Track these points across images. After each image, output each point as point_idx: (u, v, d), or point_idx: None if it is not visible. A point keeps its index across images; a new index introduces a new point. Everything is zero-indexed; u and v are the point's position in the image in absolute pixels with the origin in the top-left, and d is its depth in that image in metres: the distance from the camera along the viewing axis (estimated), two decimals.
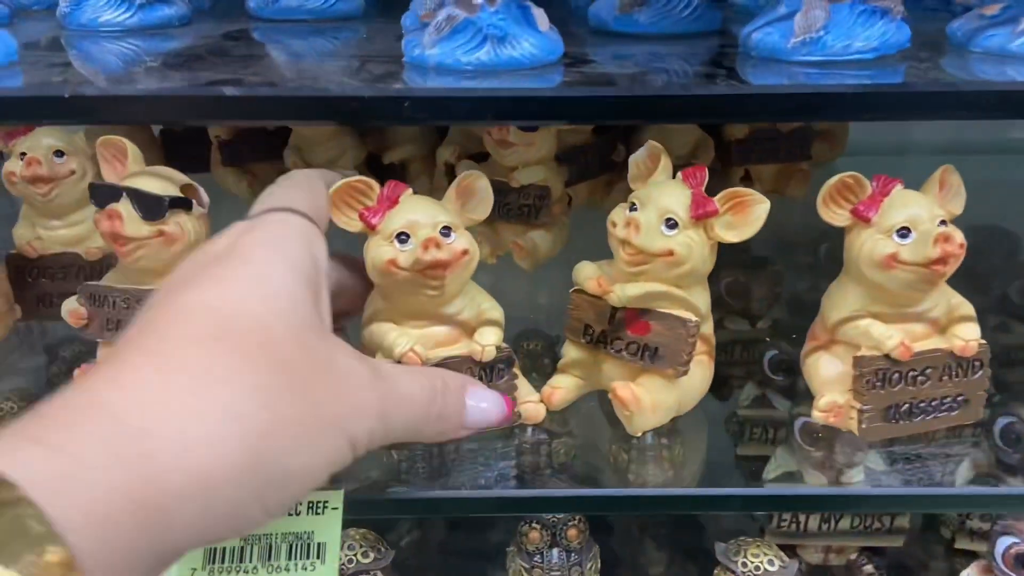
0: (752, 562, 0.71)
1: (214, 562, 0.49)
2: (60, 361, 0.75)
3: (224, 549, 0.50)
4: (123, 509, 0.27)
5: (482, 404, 0.43)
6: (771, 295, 0.91)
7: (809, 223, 0.65)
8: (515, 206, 0.85)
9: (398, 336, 0.54)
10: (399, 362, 0.53)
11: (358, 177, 0.48)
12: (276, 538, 0.50)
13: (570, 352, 0.62)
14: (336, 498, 0.51)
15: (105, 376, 0.31)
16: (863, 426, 0.57)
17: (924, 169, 0.58)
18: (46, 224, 0.72)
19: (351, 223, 0.50)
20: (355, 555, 0.72)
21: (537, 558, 0.79)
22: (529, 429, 0.62)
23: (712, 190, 0.57)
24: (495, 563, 0.83)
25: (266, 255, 0.36)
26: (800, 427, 0.72)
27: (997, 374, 0.72)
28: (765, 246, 1.03)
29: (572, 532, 0.78)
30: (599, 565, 0.81)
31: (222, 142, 0.98)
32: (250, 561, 0.50)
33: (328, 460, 0.34)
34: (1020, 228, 1.04)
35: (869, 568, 0.85)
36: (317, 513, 0.51)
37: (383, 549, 0.73)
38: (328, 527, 0.50)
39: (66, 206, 0.71)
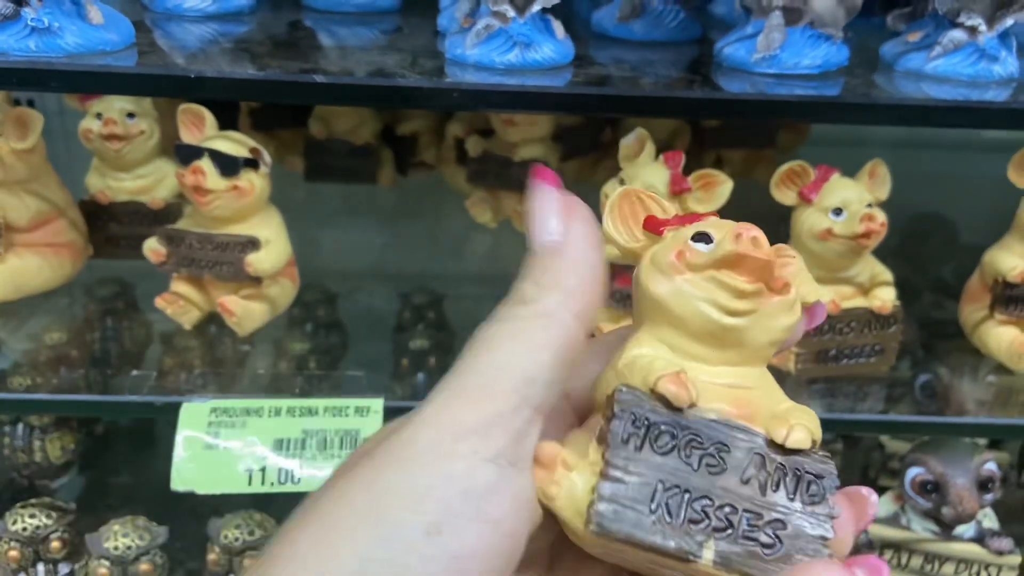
0: None
1: (283, 448, 0.62)
2: (128, 292, 0.87)
3: (289, 439, 0.63)
4: None
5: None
6: None
7: (774, 204, 0.76)
8: (515, 178, 0.97)
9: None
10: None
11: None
12: (330, 432, 0.63)
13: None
14: (377, 404, 0.64)
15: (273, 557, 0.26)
16: (799, 366, 0.71)
17: (875, 158, 0.70)
18: (115, 176, 0.83)
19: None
20: None
21: None
22: None
23: (687, 171, 0.70)
24: None
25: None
26: None
27: (926, 341, 0.86)
28: None
29: None
30: None
31: (252, 109, 1.09)
32: (310, 450, 0.63)
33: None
34: (958, 216, 1.16)
35: None
36: (363, 415, 0.64)
37: None
38: (372, 426, 0.63)
39: (134, 161, 0.82)
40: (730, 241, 0.26)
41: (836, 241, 0.67)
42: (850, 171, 0.70)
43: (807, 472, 0.26)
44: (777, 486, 0.26)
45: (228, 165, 0.68)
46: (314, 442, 0.63)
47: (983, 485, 0.80)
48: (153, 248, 0.72)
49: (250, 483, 0.61)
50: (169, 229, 0.72)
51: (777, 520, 0.25)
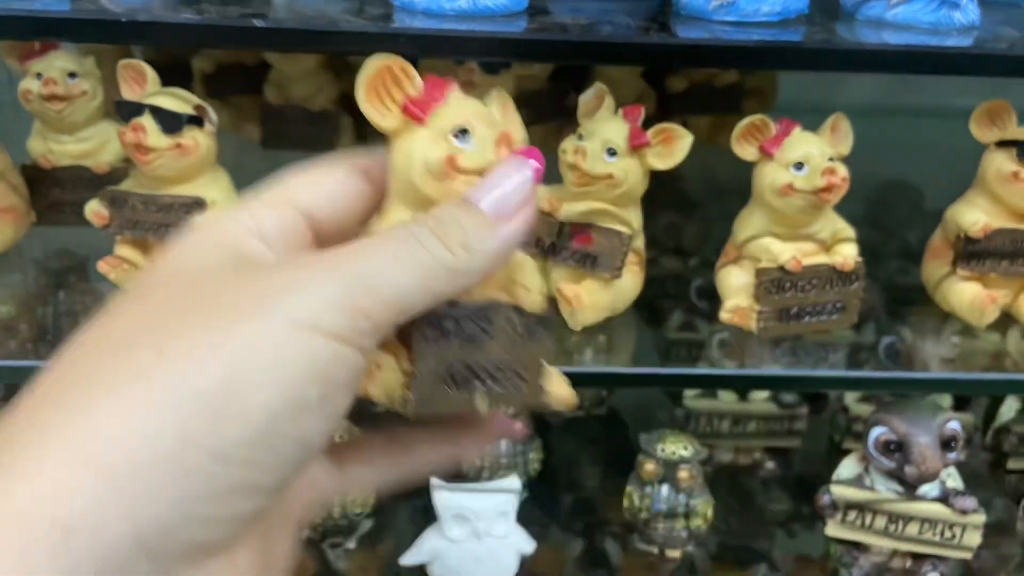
0: (669, 448, 0.84)
1: None
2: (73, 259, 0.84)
3: None
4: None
5: (494, 192, 0.30)
6: (702, 235, 1.03)
7: (740, 171, 0.74)
8: None
9: None
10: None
11: (398, 60, 0.35)
12: None
13: None
14: None
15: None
16: (761, 325, 0.70)
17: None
18: (57, 139, 0.80)
19: (386, 116, 0.36)
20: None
21: (487, 447, 0.91)
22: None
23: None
24: None
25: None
26: (717, 342, 0.85)
27: (890, 306, 0.86)
28: (699, 192, 1.15)
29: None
30: (541, 455, 0.94)
31: (205, 75, 1.06)
32: None
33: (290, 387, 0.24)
34: (926, 183, 1.16)
35: (770, 465, 0.99)
36: None
37: (355, 431, 0.85)
38: None
39: (77, 123, 0.79)
40: (494, 147, 0.34)
41: (797, 196, 0.66)
42: None
43: (536, 322, 0.35)
44: (522, 339, 0.34)
45: (170, 122, 0.65)
46: None
47: (946, 444, 0.79)
48: (95, 210, 0.69)
49: None
50: (112, 190, 0.69)
51: (523, 363, 0.35)
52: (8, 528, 0.21)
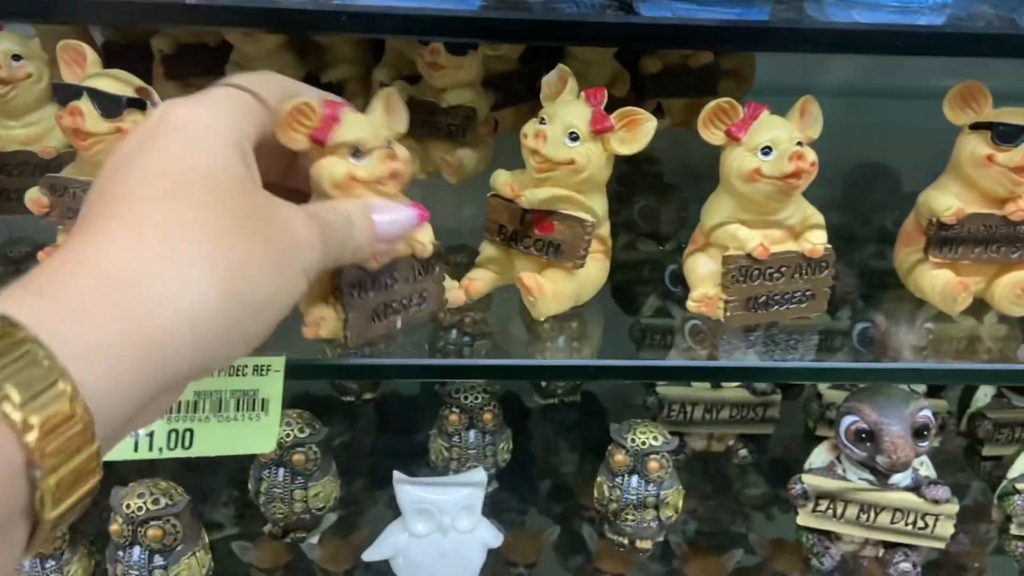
0: (640, 438, 0.83)
1: (172, 411, 0.58)
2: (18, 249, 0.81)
3: (180, 402, 0.58)
4: (121, 344, 0.31)
5: (388, 217, 0.51)
6: (678, 219, 1.01)
7: (717, 154, 0.72)
8: (444, 125, 0.92)
9: None
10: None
11: (302, 100, 0.48)
12: (226, 394, 0.59)
13: (487, 250, 0.71)
14: (278, 362, 0.60)
15: (85, 240, 0.34)
16: (728, 314, 0.68)
17: (823, 109, 0.67)
18: (3, 124, 0.76)
19: (299, 142, 0.49)
20: (292, 431, 0.81)
21: (456, 438, 0.89)
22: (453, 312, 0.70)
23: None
24: (417, 450, 0.92)
25: (196, 124, 0.40)
26: (689, 328, 0.83)
27: (865, 291, 0.84)
28: (674, 175, 1.13)
29: (487, 416, 0.89)
30: (511, 446, 0.92)
31: (164, 56, 1.02)
32: (203, 412, 0.58)
33: (290, 288, 0.39)
34: (901, 166, 1.15)
35: (744, 452, 0.98)
36: (262, 374, 0.59)
37: (317, 427, 0.82)
38: (271, 386, 0.59)
39: (22, 107, 0.76)
40: (380, 161, 0.54)
41: (765, 181, 0.64)
42: None
43: (431, 264, 0.62)
44: (421, 275, 0.62)
45: (110, 105, 0.62)
46: (208, 404, 0.58)
47: (918, 433, 0.78)
48: (35, 198, 0.66)
49: (136, 449, 0.56)
50: (52, 177, 0.66)
51: (423, 291, 0.62)
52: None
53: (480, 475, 0.79)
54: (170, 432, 0.57)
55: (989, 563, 0.88)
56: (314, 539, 0.86)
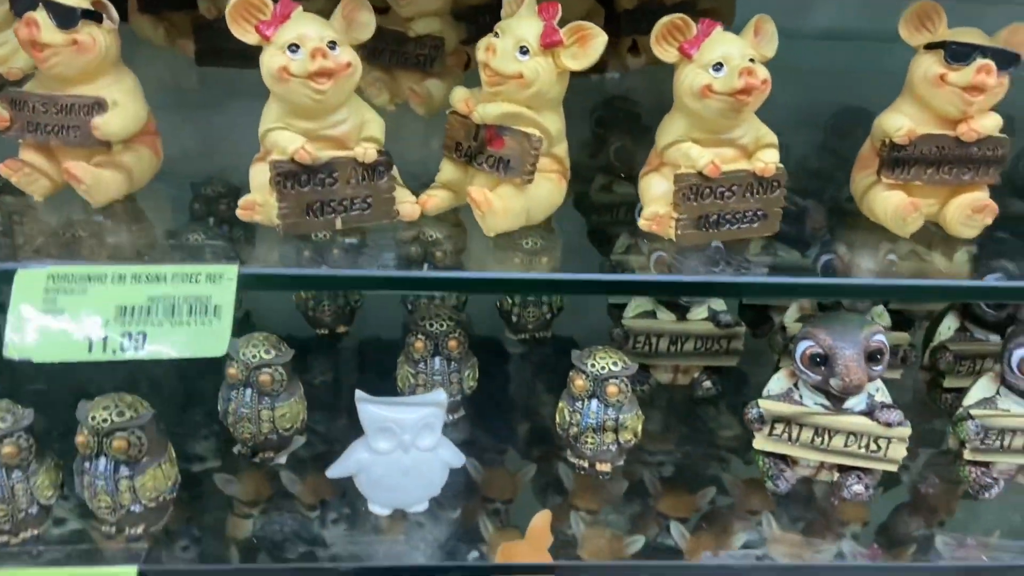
0: (599, 363, 0.84)
1: (126, 315, 0.59)
2: None
3: (134, 307, 0.59)
4: None
5: None
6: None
7: None
8: (412, 55, 0.92)
9: (289, 138, 0.63)
10: (292, 159, 0.63)
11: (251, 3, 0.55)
12: (179, 300, 0.60)
13: (445, 169, 0.72)
14: (231, 271, 0.61)
15: None
16: (679, 232, 0.68)
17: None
18: None
19: (248, 35, 0.59)
20: (259, 352, 0.83)
21: (422, 365, 0.90)
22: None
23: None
24: (387, 379, 0.94)
25: None
26: (654, 260, 0.84)
27: (836, 232, 0.83)
28: (651, 116, 1.13)
29: (452, 343, 0.90)
30: (476, 375, 0.94)
31: None
32: (156, 316, 0.59)
33: None
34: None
35: (707, 384, 0.99)
36: (215, 282, 0.61)
37: (283, 349, 0.84)
38: (224, 293, 0.60)
39: None
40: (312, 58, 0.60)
41: (715, 98, 0.64)
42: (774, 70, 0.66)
43: (379, 166, 0.66)
44: (363, 178, 0.65)
45: (65, 16, 0.63)
46: (161, 309, 0.59)
47: (871, 357, 0.79)
48: None
49: (91, 350, 0.58)
50: (11, 91, 0.67)
51: (367, 195, 0.66)
52: None
53: (440, 396, 0.81)
54: (124, 334, 0.59)
55: (944, 489, 0.90)
56: (282, 459, 0.88)
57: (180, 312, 0.60)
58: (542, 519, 0.82)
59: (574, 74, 0.67)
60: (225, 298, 0.60)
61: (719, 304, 0.98)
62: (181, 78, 1.05)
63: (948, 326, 0.98)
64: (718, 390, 0.99)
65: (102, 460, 0.73)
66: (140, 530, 0.76)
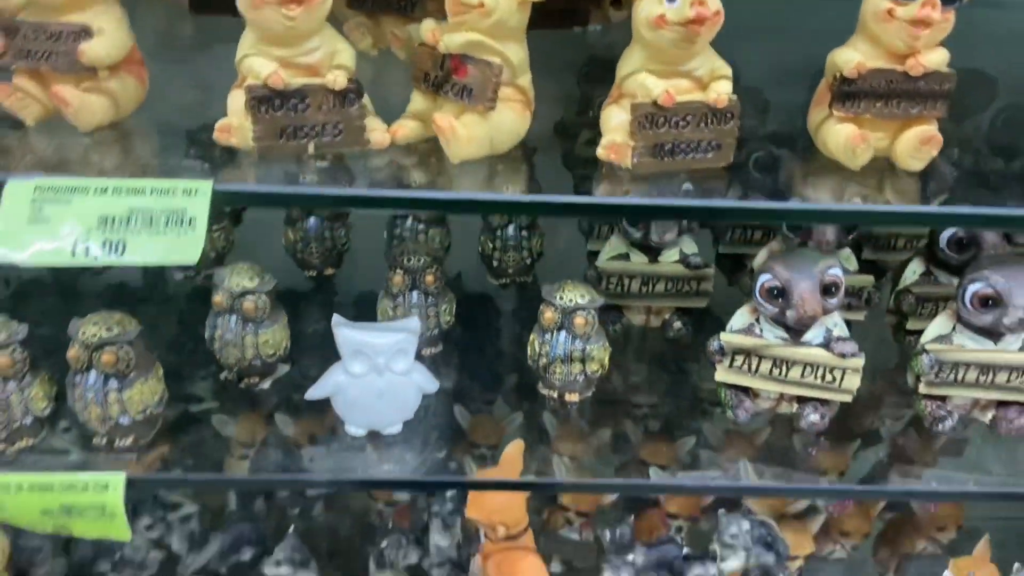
0: (567, 296, 0.88)
1: (107, 225, 0.63)
2: None
3: (115, 217, 0.64)
4: None
5: None
6: None
7: None
8: (393, 0, 0.96)
9: (263, 64, 0.67)
10: (265, 84, 0.67)
11: None
12: (156, 212, 0.64)
13: (415, 100, 0.76)
14: (205, 186, 0.65)
15: None
16: (635, 160, 0.72)
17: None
18: None
19: None
20: (242, 281, 0.87)
21: (400, 299, 0.95)
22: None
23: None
24: (370, 313, 0.98)
25: None
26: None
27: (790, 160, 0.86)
28: None
29: (429, 278, 0.94)
30: (454, 309, 0.98)
31: None
32: (135, 226, 0.64)
33: None
34: None
35: (678, 325, 1.03)
36: (190, 195, 0.65)
37: (266, 278, 0.88)
38: (198, 206, 0.64)
39: None
40: None
41: (669, 28, 0.67)
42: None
43: (349, 93, 0.69)
44: (334, 105, 0.68)
45: None
46: (139, 219, 0.64)
47: (827, 289, 0.82)
48: None
49: (74, 255, 0.62)
50: (3, 20, 0.71)
51: (338, 121, 0.69)
52: None
53: (414, 323, 0.85)
54: (104, 242, 0.63)
55: (902, 424, 0.93)
56: (266, 385, 0.92)
57: (158, 223, 0.64)
58: (515, 448, 0.86)
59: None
60: (200, 210, 0.64)
61: (690, 247, 1.01)
62: (175, 26, 1.08)
63: (913, 271, 1.01)
64: (689, 331, 1.03)
65: (92, 374, 0.78)
66: (129, 441, 0.81)
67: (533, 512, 0.98)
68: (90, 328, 0.77)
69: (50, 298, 1.07)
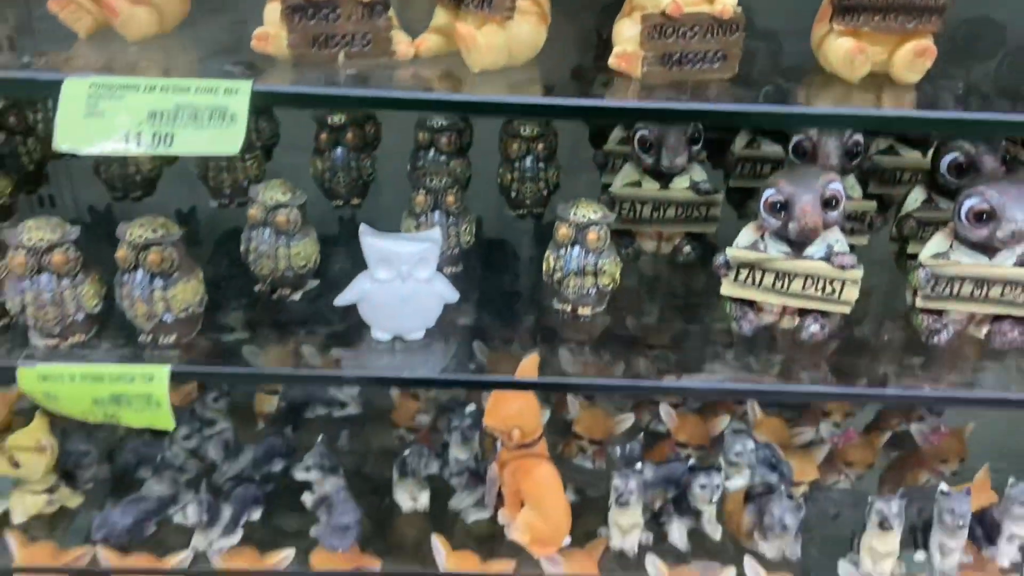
0: (580, 212, 0.92)
1: (156, 118, 0.69)
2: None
3: (163, 112, 0.69)
4: None
5: None
6: None
7: None
8: None
9: None
10: None
11: None
12: (201, 107, 0.70)
13: (439, 16, 0.81)
14: (246, 86, 0.71)
15: None
16: (644, 69, 0.76)
17: None
18: None
19: None
20: (276, 195, 0.93)
21: (423, 218, 1.00)
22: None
23: None
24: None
25: None
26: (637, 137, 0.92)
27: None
28: None
29: (450, 198, 0.99)
30: (474, 230, 1.03)
31: None
32: (182, 120, 0.69)
33: None
34: None
35: (688, 249, 1.07)
36: (232, 94, 0.70)
37: (297, 193, 0.94)
38: (239, 103, 0.70)
39: None
40: None
41: None
42: None
43: (377, 5, 0.72)
44: (363, 16, 0.74)
45: None
46: (186, 114, 0.69)
47: (827, 203, 0.86)
48: None
49: (126, 143, 0.68)
50: None
51: (367, 31, 0.75)
52: None
53: (436, 234, 0.90)
54: (154, 135, 0.69)
55: (901, 337, 0.97)
56: (296, 296, 0.98)
57: (202, 118, 0.69)
58: (530, 361, 0.91)
59: None
60: (241, 107, 0.70)
61: (700, 175, 1.06)
62: None
63: (915, 198, 1.05)
64: (697, 254, 1.07)
65: (139, 273, 0.84)
66: (172, 339, 0.87)
67: (549, 444, 1.03)
68: (136, 230, 0.83)
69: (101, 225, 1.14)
